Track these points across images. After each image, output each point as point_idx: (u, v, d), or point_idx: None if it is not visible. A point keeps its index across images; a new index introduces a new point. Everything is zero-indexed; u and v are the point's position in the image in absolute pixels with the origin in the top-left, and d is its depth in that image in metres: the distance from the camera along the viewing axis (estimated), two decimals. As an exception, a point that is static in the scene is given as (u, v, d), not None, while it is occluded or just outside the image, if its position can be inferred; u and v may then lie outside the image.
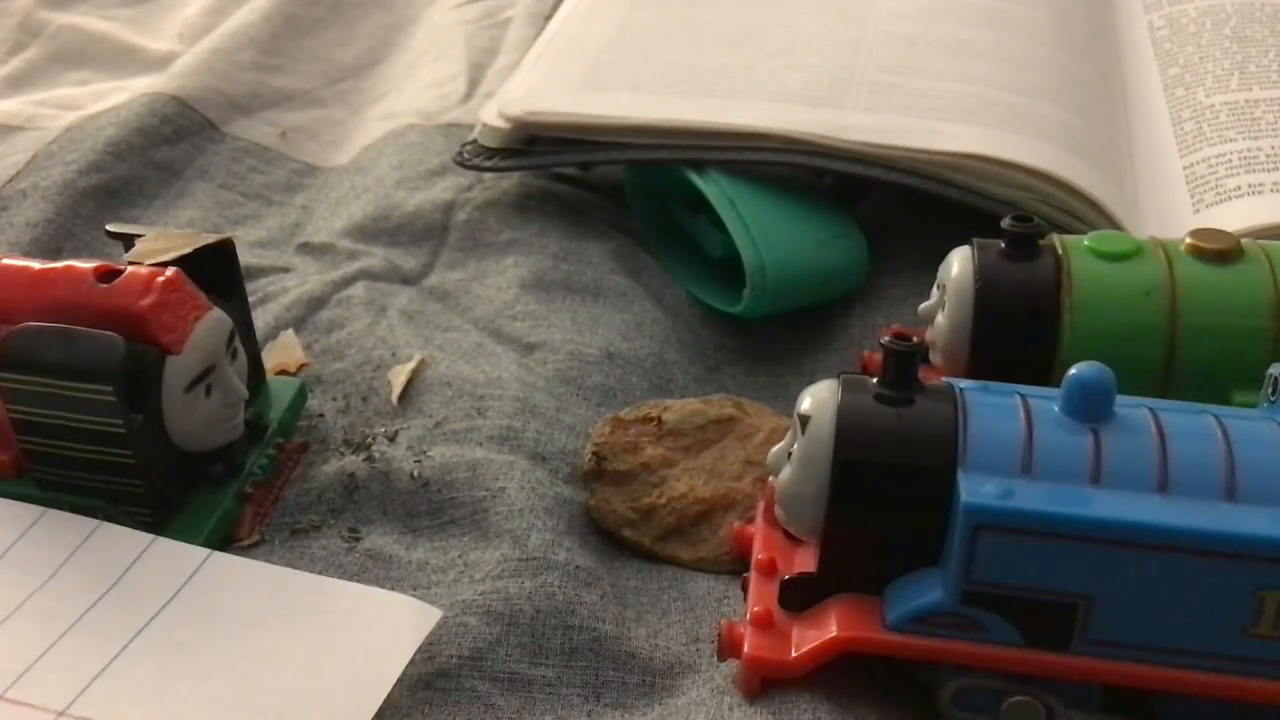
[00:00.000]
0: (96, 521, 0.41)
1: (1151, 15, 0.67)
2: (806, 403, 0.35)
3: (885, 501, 0.34)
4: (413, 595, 0.41)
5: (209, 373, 0.41)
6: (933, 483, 0.33)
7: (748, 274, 0.50)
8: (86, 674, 0.37)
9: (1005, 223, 0.44)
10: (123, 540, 0.41)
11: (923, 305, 0.45)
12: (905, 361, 0.34)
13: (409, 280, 0.55)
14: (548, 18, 0.71)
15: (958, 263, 0.43)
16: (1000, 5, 0.63)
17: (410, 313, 0.52)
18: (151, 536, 0.41)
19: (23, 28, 0.79)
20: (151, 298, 0.39)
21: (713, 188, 0.52)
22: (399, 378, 0.48)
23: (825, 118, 0.54)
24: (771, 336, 0.53)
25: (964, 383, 0.36)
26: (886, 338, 0.35)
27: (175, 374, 0.40)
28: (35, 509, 0.42)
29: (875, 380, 0.35)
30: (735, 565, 0.41)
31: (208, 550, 0.40)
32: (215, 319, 0.41)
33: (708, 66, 0.59)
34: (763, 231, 0.51)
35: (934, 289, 0.45)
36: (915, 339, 0.35)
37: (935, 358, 0.44)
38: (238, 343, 0.43)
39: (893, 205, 0.58)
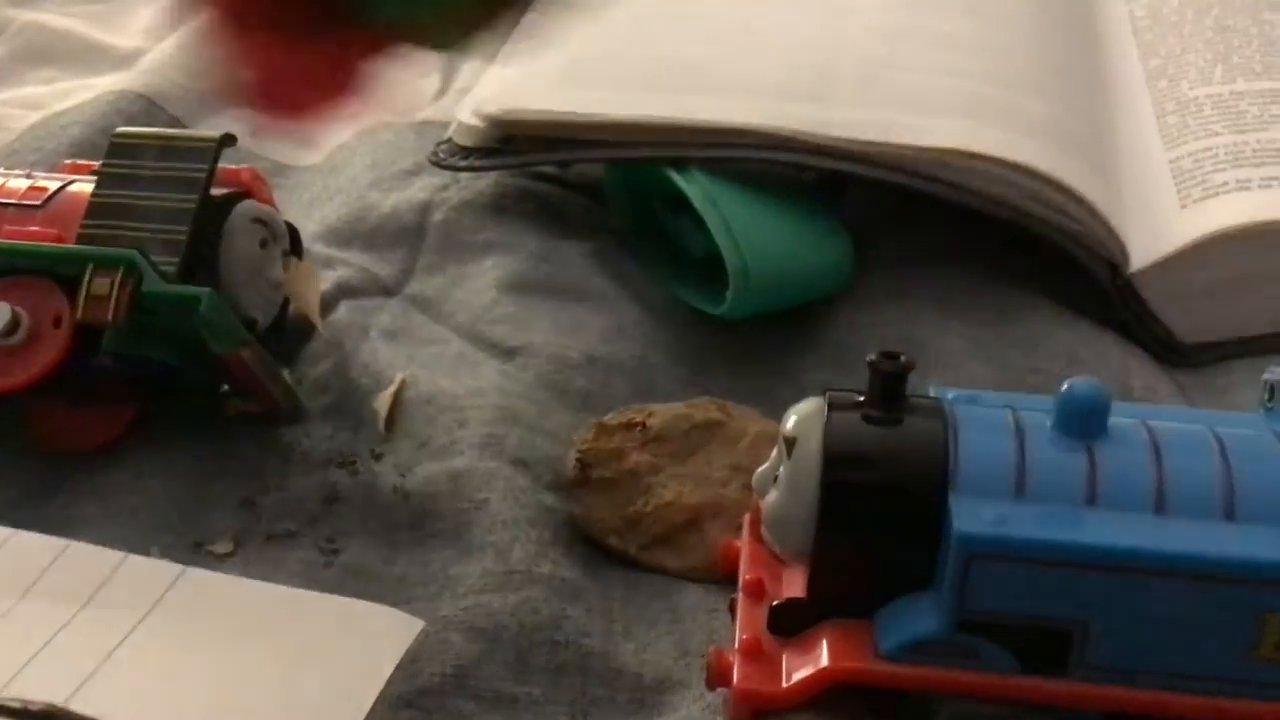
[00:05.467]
0: (66, 541, 0.41)
1: (1132, 5, 0.67)
2: (792, 423, 0.34)
3: (875, 525, 0.33)
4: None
5: (270, 236, 0.47)
6: (924, 505, 0.32)
7: (730, 275, 0.49)
8: (58, 697, 0.35)
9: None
10: (93, 559, 0.40)
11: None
12: (893, 382, 0.33)
13: (390, 290, 0.54)
14: (524, 12, 0.70)
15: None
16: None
17: (393, 331, 0.51)
18: (123, 554, 0.40)
19: (-15, 25, 0.78)
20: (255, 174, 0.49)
21: (694, 186, 0.51)
22: (383, 405, 0.47)
23: (808, 113, 0.53)
24: (756, 337, 0.52)
25: (953, 394, 0.35)
26: (873, 356, 0.34)
27: (250, 206, 0.47)
28: (3, 531, 0.41)
29: (862, 399, 0.34)
30: (721, 575, 0.41)
31: (180, 567, 0.40)
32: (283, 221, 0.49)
33: (687, 61, 0.58)
34: (745, 231, 0.50)
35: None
36: (903, 357, 0.34)
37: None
38: (288, 257, 0.49)
39: (876, 201, 0.57)
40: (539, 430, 0.45)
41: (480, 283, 0.53)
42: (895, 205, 0.56)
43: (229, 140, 0.46)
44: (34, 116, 0.67)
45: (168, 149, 0.46)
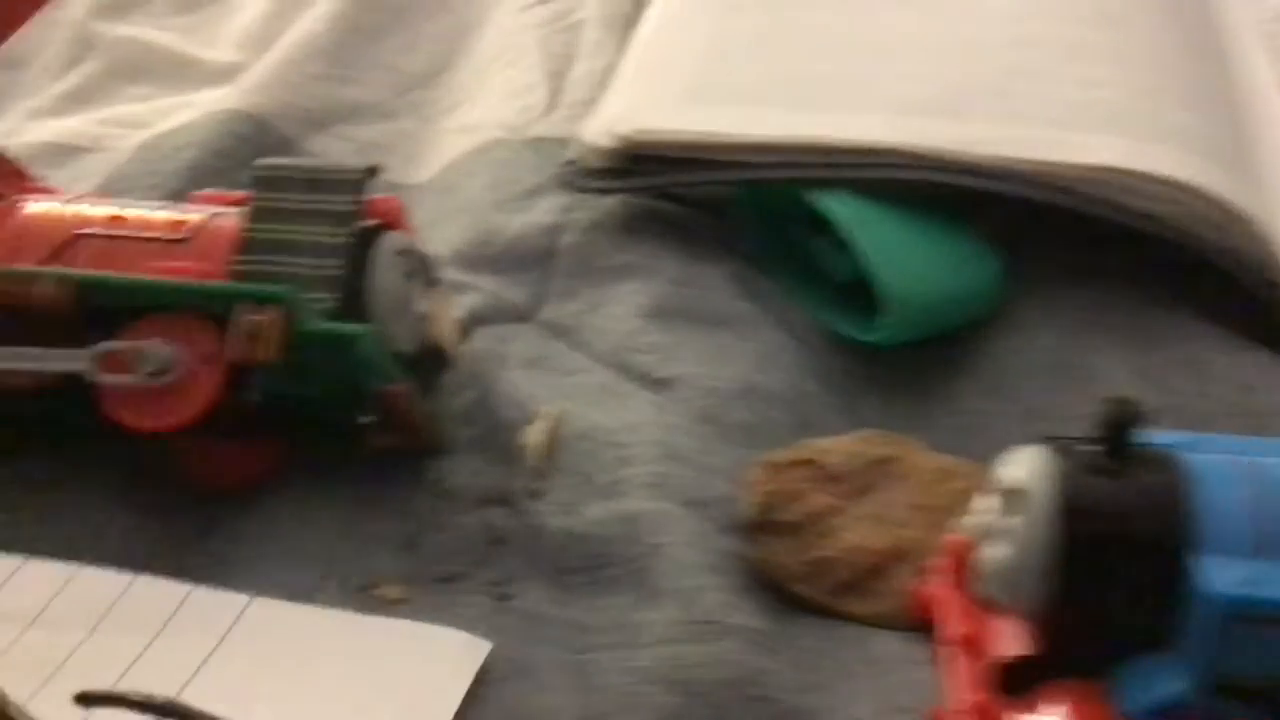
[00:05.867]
0: (131, 575, 0.41)
1: (1260, 11, 0.65)
2: (1016, 473, 0.33)
3: (1115, 581, 0.31)
4: (574, 658, 0.39)
5: (414, 267, 0.46)
6: (1165, 561, 0.31)
7: (884, 301, 0.48)
8: None
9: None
10: (160, 591, 0.40)
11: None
12: (1124, 429, 0.32)
13: (523, 316, 0.53)
14: (631, 22, 0.69)
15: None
16: (1111, 5, 0.60)
17: (532, 359, 0.50)
18: (190, 586, 0.40)
19: (77, 41, 0.76)
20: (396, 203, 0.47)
21: (838, 208, 0.50)
22: (535, 440, 0.46)
23: (951, 130, 0.52)
24: (904, 362, 0.51)
25: (1169, 438, 0.34)
26: (1103, 402, 0.32)
27: (396, 238, 0.46)
28: (69, 567, 0.41)
29: (1087, 446, 0.33)
30: (915, 623, 0.39)
31: (248, 596, 0.40)
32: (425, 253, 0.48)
33: (815, 75, 0.56)
34: (896, 255, 0.49)
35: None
36: (1133, 403, 0.33)
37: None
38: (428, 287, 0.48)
39: (1015, 219, 0.55)
40: (705, 468, 0.44)
41: (620, 309, 0.51)
42: (1034, 221, 0.55)
43: (375, 171, 0.45)
44: (136, 136, 0.66)
45: (315, 181, 0.45)
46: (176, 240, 0.45)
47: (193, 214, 0.46)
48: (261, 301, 0.41)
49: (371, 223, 0.46)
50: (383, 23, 0.77)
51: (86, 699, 0.35)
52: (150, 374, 0.41)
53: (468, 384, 0.49)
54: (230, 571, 0.42)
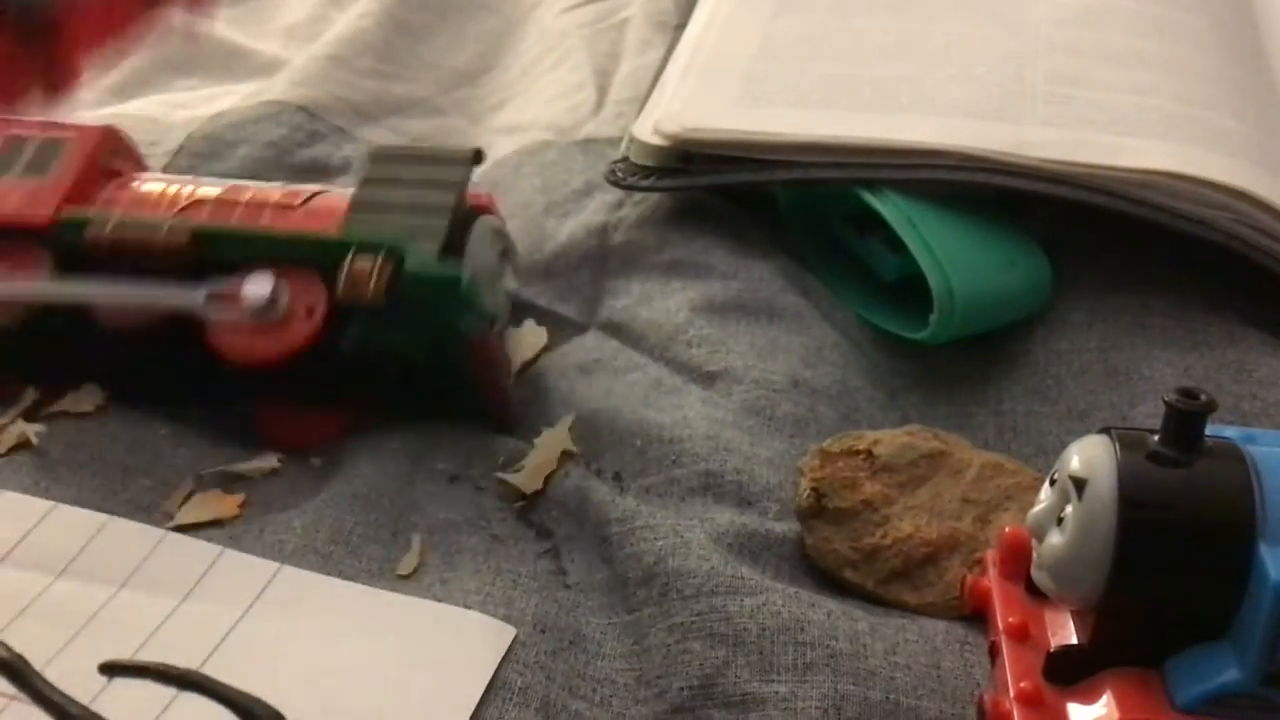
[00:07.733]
0: (162, 531, 0.41)
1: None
2: (1078, 463, 0.33)
3: (1174, 571, 0.32)
4: (624, 620, 0.39)
5: (507, 249, 0.49)
6: (1229, 552, 0.31)
7: (935, 299, 0.48)
8: (166, 691, 0.35)
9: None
10: (191, 550, 0.41)
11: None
12: (1191, 422, 0.32)
13: (580, 327, 0.53)
14: (679, 26, 0.69)
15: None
16: (1159, 12, 0.61)
17: (586, 365, 0.50)
18: (220, 548, 0.41)
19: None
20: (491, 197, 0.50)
21: (890, 208, 0.51)
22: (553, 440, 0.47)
23: (1003, 133, 0.52)
24: (948, 361, 0.51)
25: (1230, 432, 0.34)
26: (1171, 395, 0.33)
27: (492, 219, 0.48)
28: (98, 516, 0.41)
29: (1154, 438, 0.33)
30: (964, 614, 0.40)
31: (277, 564, 0.40)
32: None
33: (867, 78, 0.57)
34: (947, 254, 0.49)
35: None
36: (1204, 396, 0.33)
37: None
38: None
39: (1063, 220, 0.56)
40: (754, 459, 0.44)
41: (671, 303, 0.52)
42: (1081, 224, 0.55)
43: (481, 154, 0.48)
44: (186, 127, 0.66)
45: (427, 157, 0.48)
46: (289, 205, 0.47)
47: (304, 189, 0.48)
48: (368, 249, 0.43)
49: (472, 204, 0.48)
50: (428, 21, 0.78)
51: (110, 669, 0.35)
52: (256, 311, 0.43)
53: (527, 378, 0.50)
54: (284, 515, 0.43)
